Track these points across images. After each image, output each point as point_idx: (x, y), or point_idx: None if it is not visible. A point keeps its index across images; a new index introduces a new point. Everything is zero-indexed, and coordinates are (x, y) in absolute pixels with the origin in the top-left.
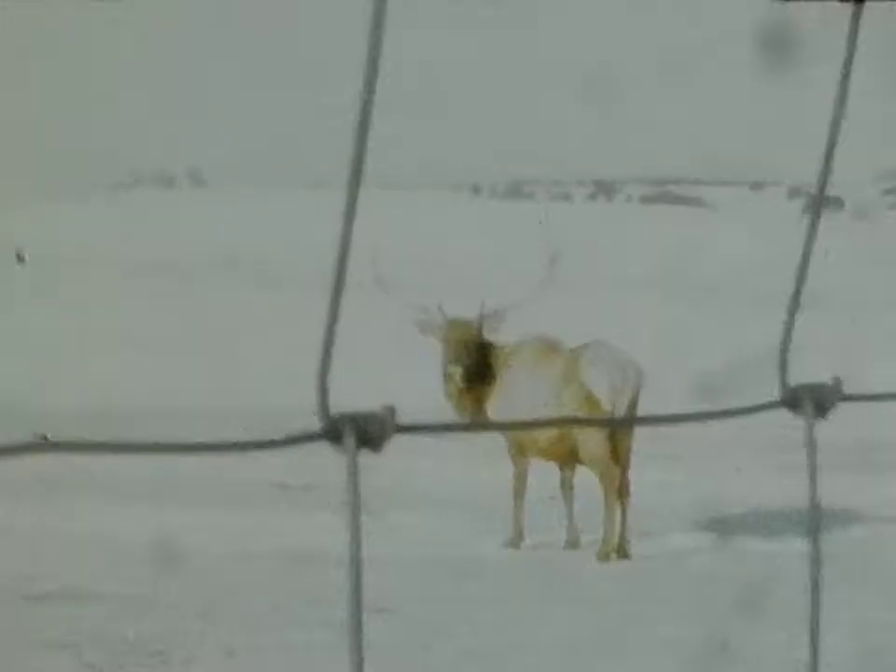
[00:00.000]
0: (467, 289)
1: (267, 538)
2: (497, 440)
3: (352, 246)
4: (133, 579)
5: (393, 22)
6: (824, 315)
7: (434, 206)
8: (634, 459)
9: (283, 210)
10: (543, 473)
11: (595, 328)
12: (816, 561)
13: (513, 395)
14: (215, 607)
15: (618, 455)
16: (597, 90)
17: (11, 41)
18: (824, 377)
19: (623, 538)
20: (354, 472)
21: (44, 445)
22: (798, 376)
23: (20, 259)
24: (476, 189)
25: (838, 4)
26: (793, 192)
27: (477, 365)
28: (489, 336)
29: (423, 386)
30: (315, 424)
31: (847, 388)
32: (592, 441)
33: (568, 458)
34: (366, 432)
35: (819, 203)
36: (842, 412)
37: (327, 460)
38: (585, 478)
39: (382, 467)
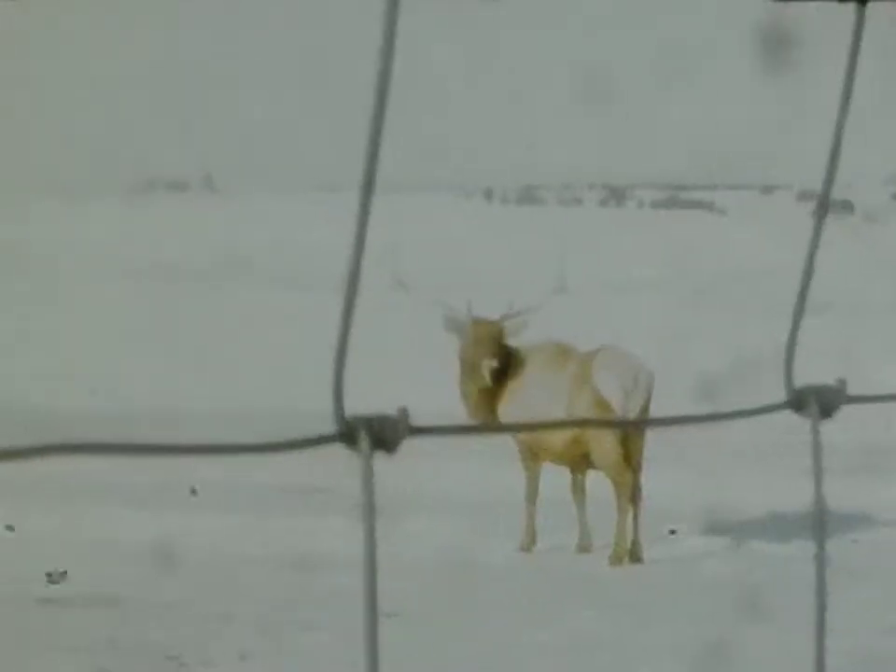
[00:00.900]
0: (481, 292)
1: (280, 541)
2: (509, 443)
3: (366, 250)
4: (147, 583)
5: (405, 26)
6: (832, 319)
7: (446, 210)
8: (645, 463)
9: (294, 213)
10: (556, 477)
11: (605, 332)
12: (821, 560)
13: (525, 399)
14: (229, 610)
15: (630, 459)
16: (607, 94)
17: (22, 41)
18: (830, 380)
19: (635, 542)
20: (369, 475)
21: (61, 447)
22: (804, 379)
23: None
24: (488, 194)
25: (841, 4)
26: (803, 196)
27: (503, 364)
28: (509, 339)
29: (433, 391)
30: (329, 427)
31: (854, 391)
32: (604, 446)
33: (581, 462)
34: (380, 435)
35: (824, 206)
36: (852, 415)
37: (339, 464)
38: (597, 482)
39: (393, 470)
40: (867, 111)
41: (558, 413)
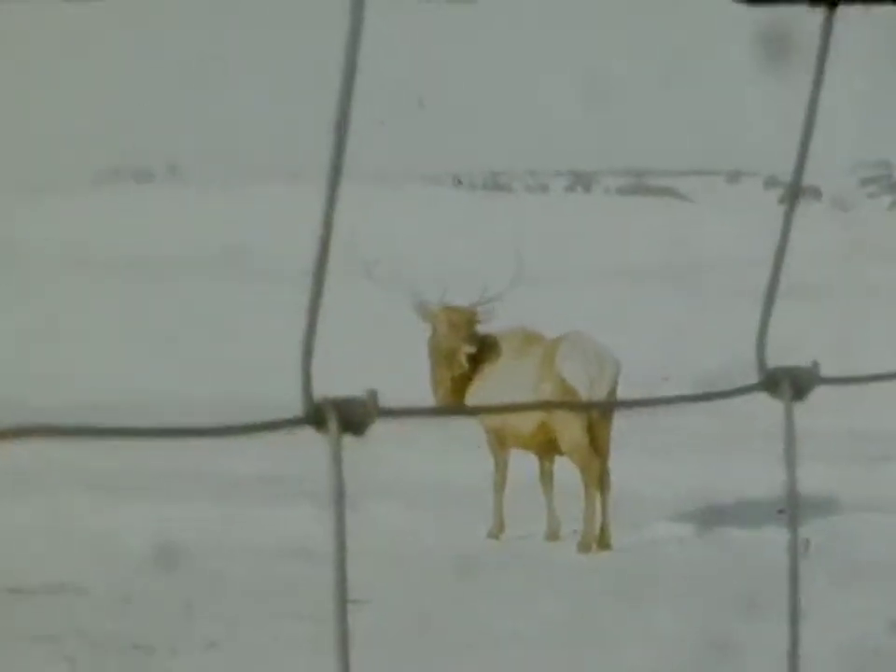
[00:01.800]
0: (449, 279)
1: (250, 530)
2: (477, 431)
3: (334, 237)
4: (116, 572)
5: (376, 15)
6: (800, 304)
7: (415, 197)
8: (615, 450)
9: (261, 203)
10: (525, 464)
11: (571, 319)
12: (794, 544)
13: (493, 385)
14: (196, 599)
15: (597, 446)
16: (575, 81)
17: None
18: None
19: (604, 528)
20: (337, 457)
21: (16, 431)
22: (772, 363)
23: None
24: (456, 181)
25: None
26: (770, 182)
27: (478, 350)
28: (480, 326)
29: (402, 378)
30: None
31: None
32: (571, 432)
33: (548, 449)
34: (349, 417)
35: (794, 194)
36: (828, 401)
37: (315, 452)
38: (567, 469)
39: (363, 458)
40: (835, 98)
41: (525, 399)
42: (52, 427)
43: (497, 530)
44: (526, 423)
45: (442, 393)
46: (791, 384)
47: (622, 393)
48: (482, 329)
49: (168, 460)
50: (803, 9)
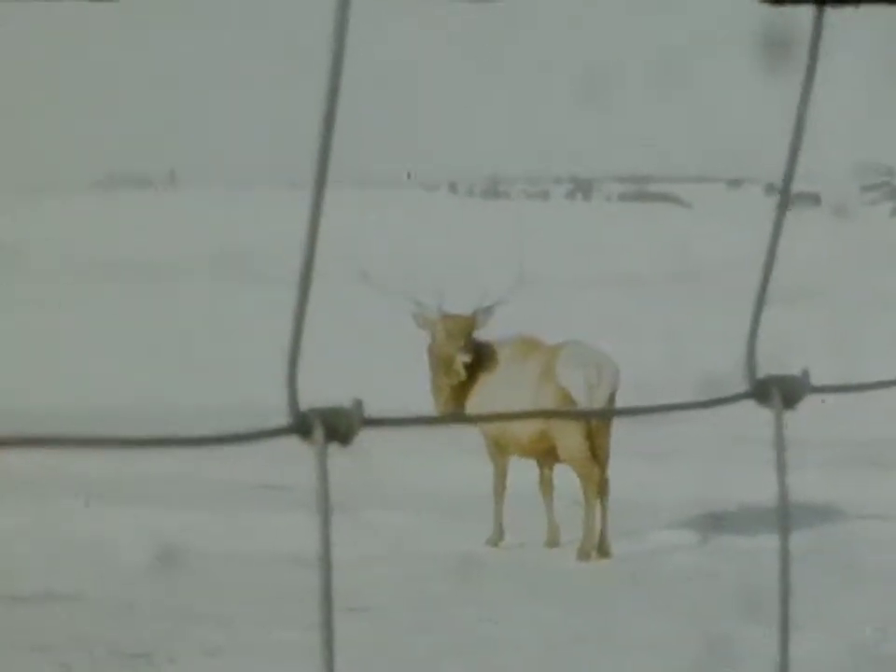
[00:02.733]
0: (448, 286)
1: (247, 537)
2: (476, 437)
3: (330, 244)
4: (112, 580)
5: (370, 18)
6: (800, 310)
7: (411, 204)
8: (615, 457)
9: (259, 208)
10: (525, 471)
11: (571, 325)
12: (785, 552)
13: (492, 393)
14: (194, 607)
15: (596, 453)
16: (574, 87)
17: None
18: (794, 371)
19: (603, 536)
20: (323, 466)
21: (9, 440)
22: (766, 370)
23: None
24: (453, 188)
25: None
26: (770, 189)
27: (476, 359)
28: (478, 333)
29: (399, 385)
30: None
31: (816, 381)
32: (570, 439)
33: (548, 457)
34: (334, 426)
35: (785, 199)
36: (828, 408)
37: (311, 460)
38: (566, 477)
39: (359, 465)
40: (836, 103)
41: (524, 406)
42: (41, 437)
43: (497, 537)
44: (526, 430)
45: (443, 400)
46: (781, 392)
47: (622, 399)
48: (481, 336)
49: (165, 467)
50: (808, 17)
